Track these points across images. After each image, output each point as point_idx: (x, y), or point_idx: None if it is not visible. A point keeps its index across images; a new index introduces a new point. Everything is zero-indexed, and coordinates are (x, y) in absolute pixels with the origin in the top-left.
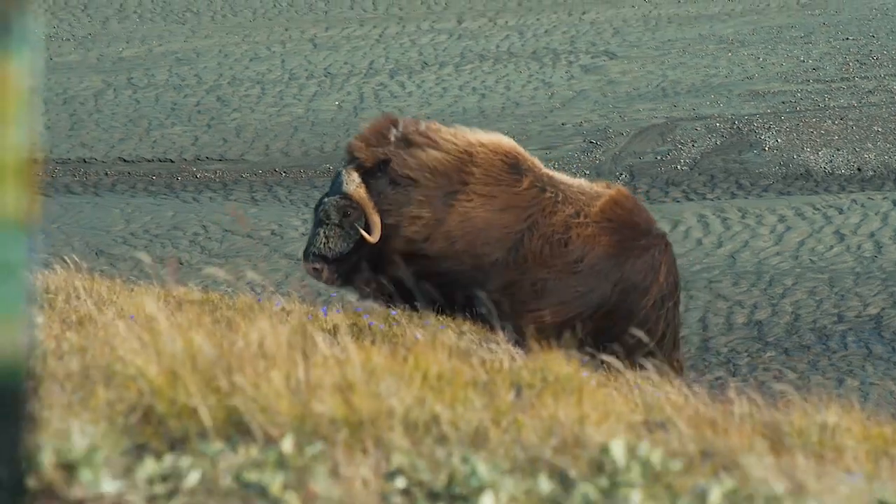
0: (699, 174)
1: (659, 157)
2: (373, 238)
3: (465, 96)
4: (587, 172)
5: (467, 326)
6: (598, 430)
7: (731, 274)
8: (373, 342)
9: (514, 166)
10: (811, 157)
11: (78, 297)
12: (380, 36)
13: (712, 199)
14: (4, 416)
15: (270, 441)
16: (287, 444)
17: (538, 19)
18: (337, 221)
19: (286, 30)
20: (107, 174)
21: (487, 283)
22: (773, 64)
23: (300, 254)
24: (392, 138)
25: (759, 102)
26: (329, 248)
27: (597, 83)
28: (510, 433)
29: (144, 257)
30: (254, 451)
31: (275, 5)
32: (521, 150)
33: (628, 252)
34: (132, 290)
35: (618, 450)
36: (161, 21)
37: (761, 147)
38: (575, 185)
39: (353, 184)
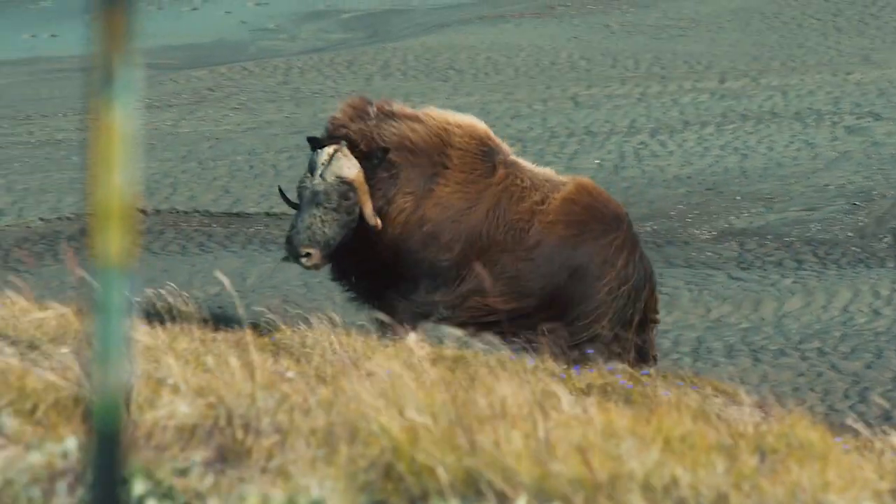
0: None
1: None
2: (379, 224)
3: (726, 156)
4: (850, 234)
5: (710, 389)
6: (841, 497)
7: None
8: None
9: (488, 154)
10: None
11: (334, 353)
12: (641, 95)
13: None
14: (101, 454)
15: (506, 501)
16: None
17: (802, 80)
18: (335, 206)
19: (547, 88)
20: None
21: (445, 271)
22: None
23: (288, 230)
24: (372, 115)
25: None
26: (324, 232)
27: (861, 144)
28: (752, 498)
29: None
30: None
31: (537, 64)
32: (492, 135)
33: (583, 238)
34: (387, 346)
35: None
36: (424, 78)
37: None
38: (541, 174)
39: (355, 168)
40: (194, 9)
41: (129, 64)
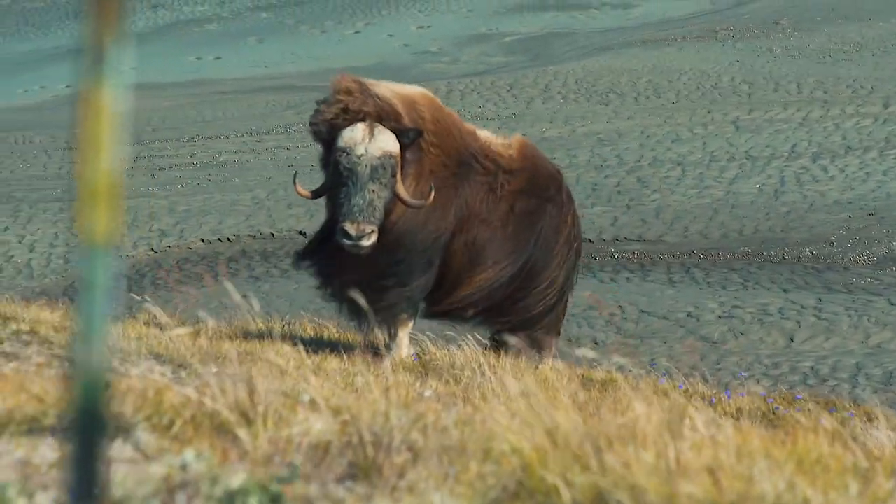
0: None
1: None
2: (412, 202)
3: (888, 181)
4: None
5: (863, 415)
6: None
7: None
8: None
9: (451, 121)
10: None
11: (483, 374)
12: (803, 119)
13: None
14: (83, 430)
15: None
16: None
17: None
18: (385, 181)
19: (709, 112)
20: None
21: (439, 248)
22: None
23: (341, 212)
24: (376, 94)
25: None
26: (380, 208)
27: None
28: None
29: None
30: None
31: (698, 88)
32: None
33: (545, 201)
34: (536, 367)
35: None
36: (585, 102)
37: None
38: (487, 137)
39: (396, 143)
40: (357, 32)
41: (119, 45)
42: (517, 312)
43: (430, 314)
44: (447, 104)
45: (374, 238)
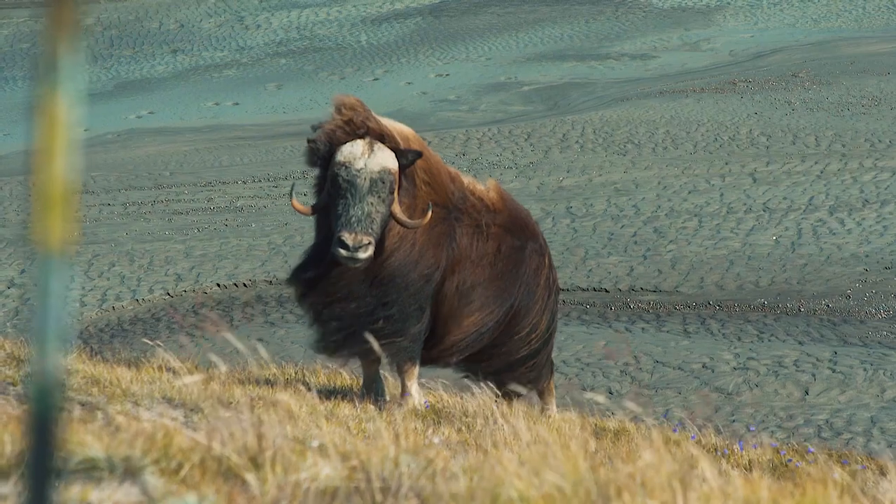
0: None
1: None
2: (409, 222)
3: None
4: None
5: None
6: None
7: None
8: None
9: (439, 162)
10: None
11: (495, 422)
12: (821, 172)
13: None
14: (37, 437)
15: None
16: None
17: None
18: (384, 197)
19: (726, 163)
20: None
21: (428, 292)
22: None
23: (339, 223)
24: (373, 114)
25: None
26: (378, 222)
27: None
28: None
29: (598, 397)
30: None
31: (716, 139)
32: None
33: (525, 243)
34: (549, 416)
35: None
36: (602, 152)
37: None
38: (469, 180)
39: (395, 161)
40: (375, 79)
41: (74, 53)
42: (501, 356)
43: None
44: (465, 152)
45: (370, 251)
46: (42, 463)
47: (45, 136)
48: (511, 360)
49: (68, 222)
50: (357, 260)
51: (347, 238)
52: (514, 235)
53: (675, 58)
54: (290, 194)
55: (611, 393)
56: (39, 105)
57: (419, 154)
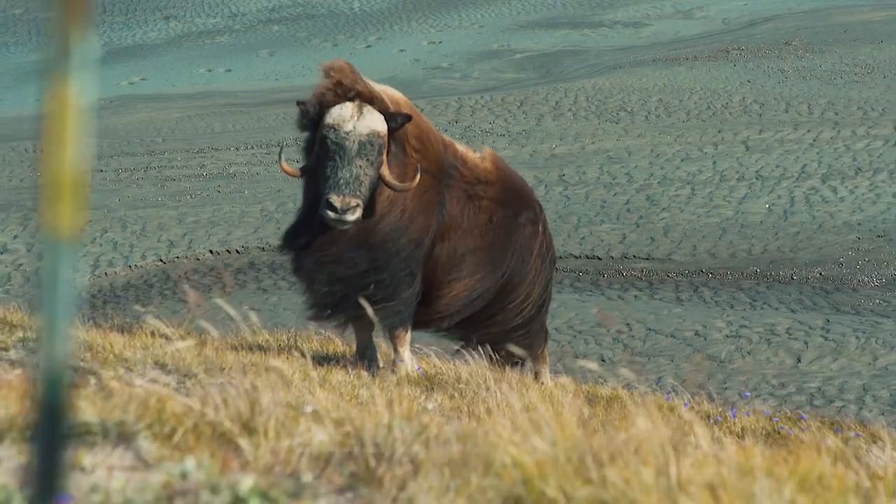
0: None
1: None
2: (398, 185)
3: None
4: None
5: (868, 436)
6: None
7: None
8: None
9: (431, 129)
10: None
11: (488, 389)
12: (814, 140)
13: None
14: (45, 425)
15: None
16: None
17: None
18: (372, 160)
19: (719, 131)
20: None
21: (420, 258)
22: None
23: (327, 185)
24: (363, 77)
25: None
26: (366, 185)
27: None
28: None
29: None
30: None
31: (709, 107)
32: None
33: (519, 213)
34: (542, 384)
35: None
36: (595, 119)
37: None
38: (463, 149)
39: (384, 123)
40: (368, 46)
41: (85, 39)
42: (495, 325)
43: None
44: (457, 119)
45: (358, 213)
46: (51, 457)
47: (56, 122)
48: (506, 329)
49: (78, 210)
50: (345, 222)
51: (336, 200)
52: (507, 206)
53: (668, 25)
54: (280, 157)
55: (603, 360)
56: (50, 91)
57: (409, 117)
